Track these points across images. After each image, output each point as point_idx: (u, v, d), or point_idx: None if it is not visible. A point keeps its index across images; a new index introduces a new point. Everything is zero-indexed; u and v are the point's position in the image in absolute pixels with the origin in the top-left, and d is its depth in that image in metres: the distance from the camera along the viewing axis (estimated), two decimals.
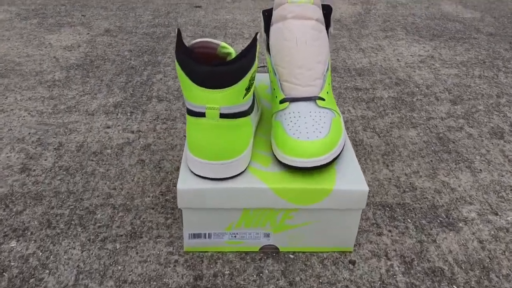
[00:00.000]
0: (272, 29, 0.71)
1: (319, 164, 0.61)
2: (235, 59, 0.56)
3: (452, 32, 1.67)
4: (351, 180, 0.63)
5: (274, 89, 0.71)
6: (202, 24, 1.65)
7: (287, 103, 0.68)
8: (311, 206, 0.63)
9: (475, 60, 1.43)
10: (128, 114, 1.04)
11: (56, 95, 1.12)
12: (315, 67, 0.69)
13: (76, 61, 1.31)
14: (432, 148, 0.97)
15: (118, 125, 1.00)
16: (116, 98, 1.11)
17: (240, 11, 1.83)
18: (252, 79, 0.60)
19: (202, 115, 0.58)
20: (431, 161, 0.92)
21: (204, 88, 0.56)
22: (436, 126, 1.05)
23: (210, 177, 0.61)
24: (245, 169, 0.64)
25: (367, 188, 0.62)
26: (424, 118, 1.08)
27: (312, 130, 0.64)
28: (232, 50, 0.61)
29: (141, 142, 0.94)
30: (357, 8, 1.93)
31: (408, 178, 0.87)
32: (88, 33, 1.52)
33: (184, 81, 0.57)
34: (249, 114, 0.63)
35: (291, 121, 0.66)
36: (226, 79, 0.55)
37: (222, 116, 0.57)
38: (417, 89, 1.22)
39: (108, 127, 0.99)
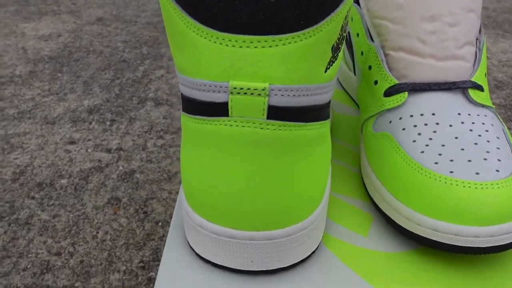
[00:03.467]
0: None
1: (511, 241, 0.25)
2: None
3: None
4: None
5: (370, 69, 0.35)
6: None
7: (405, 94, 0.31)
8: None
9: None
10: (108, 123, 0.69)
11: (9, 94, 0.77)
12: (463, 18, 0.32)
13: (49, 53, 0.96)
14: None
15: (89, 140, 0.64)
16: (93, 100, 0.76)
17: None
18: (345, 25, 0.24)
19: (221, 110, 0.21)
20: None
21: (228, 34, 0.19)
22: None
23: (239, 268, 0.24)
24: (318, 247, 0.27)
25: None
26: None
27: (479, 156, 0.27)
28: None
29: (120, 168, 0.58)
30: None
31: None
32: (74, 22, 1.19)
33: (174, 20, 0.21)
34: (329, 117, 0.26)
35: (419, 134, 0.29)
36: (289, 9, 0.19)
37: (273, 112, 0.21)
38: None
39: (72, 143, 0.63)
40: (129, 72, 0.88)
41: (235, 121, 0.21)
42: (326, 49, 0.22)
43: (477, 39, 0.33)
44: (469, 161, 0.26)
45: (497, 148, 0.27)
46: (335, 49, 0.23)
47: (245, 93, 0.21)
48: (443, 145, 0.28)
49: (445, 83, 0.31)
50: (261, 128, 0.21)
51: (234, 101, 0.21)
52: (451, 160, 0.27)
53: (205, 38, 0.20)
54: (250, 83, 0.21)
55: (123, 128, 0.67)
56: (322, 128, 0.24)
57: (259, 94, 0.21)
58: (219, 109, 0.21)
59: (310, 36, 0.21)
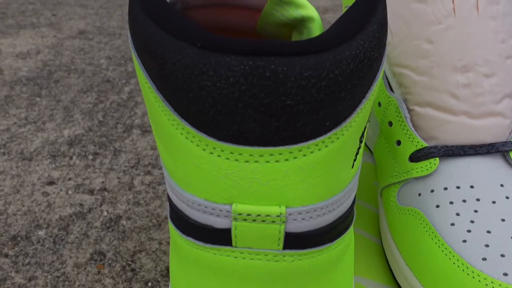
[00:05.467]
0: None
1: None
2: (330, 36, 0.14)
3: None
4: None
5: (391, 125, 0.30)
6: None
7: (436, 160, 0.26)
8: None
9: None
10: (90, 157, 0.63)
11: None
12: (500, 67, 0.27)
13: (27, 73, 0.90)
14: None
15: (69, 179, 0.59)
16: (74, 130, 0.70)
17: None
18: (373, 104, 0.19)
19: (222, 238, 0.16)
20: None
21: (230, 145, 0.14)
22: None
23: None
24: None
25: None
26: None
27: None
28: (314, 13, 0.20)
29: (105, 213, 0.53)
30: None
31: None
32: (55, 36, 1.12)
33: (157, 112, 0.16)
34: (354, 219, 0.21)
35: (458, 214, 0.24)
36: (311, 110, 0.14)
37: (291, 241, 0.16)
38: None
39: (51, 183, 0.58)
40: (113, 94, 0.82)
41: (241, 253, 0.16)
42: (355, 143, 0.17)
43: None
44: None
45: None
46: (362, 135, 0.18)
47: (254, 220, 0.16)
48: (488, 232, 0.23)
49: (481, 145, 0.26)
50: (276, 261, 0.16)
51: (240, 229, 0.16)
52: (502, 255, 0.22)
53: (198, 145, 0.15)
54: (260, 208, 0.15)
55: (107, 163, 0.62)
56: (347, 239, 0.19)
57: (273, 221, 0.16)
58: (219, 237, 0.16)
59: (338, 138, 0.15)
